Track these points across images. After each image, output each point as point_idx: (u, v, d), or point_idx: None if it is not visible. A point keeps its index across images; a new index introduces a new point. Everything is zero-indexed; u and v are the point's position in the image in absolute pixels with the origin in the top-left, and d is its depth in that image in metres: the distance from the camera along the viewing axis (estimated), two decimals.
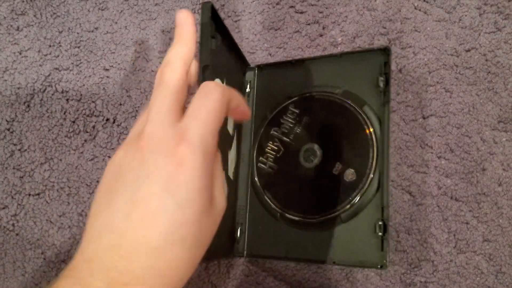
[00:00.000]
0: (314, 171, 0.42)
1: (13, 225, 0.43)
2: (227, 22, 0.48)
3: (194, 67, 0.29)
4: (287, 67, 0.45)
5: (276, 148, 0.44)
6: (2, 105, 0.46)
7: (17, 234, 0.43)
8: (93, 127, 0.45)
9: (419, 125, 0.45)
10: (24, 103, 0.46)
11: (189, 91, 0.28)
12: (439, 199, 0.44)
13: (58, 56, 0.47)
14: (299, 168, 0.42)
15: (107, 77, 0.47)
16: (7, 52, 0.47)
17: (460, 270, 0.42)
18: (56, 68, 0.47)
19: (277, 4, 0.48)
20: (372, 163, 0.40)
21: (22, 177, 0.44)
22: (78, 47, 0.47)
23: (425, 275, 0.42)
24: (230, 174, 0.42)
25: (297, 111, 0.43)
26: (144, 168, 0.22)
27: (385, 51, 0.41)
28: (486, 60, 0.46)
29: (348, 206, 0.40)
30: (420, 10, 0.48)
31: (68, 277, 0.22)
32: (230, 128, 0.40)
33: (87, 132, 0.45)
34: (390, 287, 0.42)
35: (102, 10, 0.48)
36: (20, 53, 0.47)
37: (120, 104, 0.46)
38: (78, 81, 0.46)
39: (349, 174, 0.41)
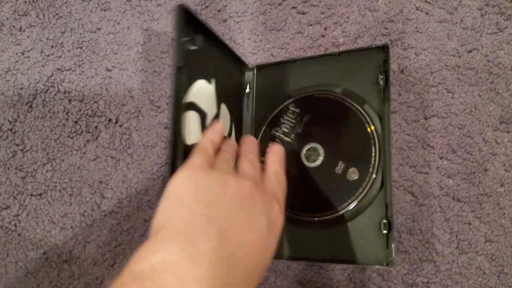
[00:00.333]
0: (317, 171, 0.42)
1: (15, 225, 0.43)
2: (229, 23, 0.48)
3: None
4: (286, 66, 0.45)
5: None
6: (4, 105, 0.46)
7: (19, 235, 0.43)
8: (96, 127, 0.45)
9: (421, 126, 0.45)
10: (27, 103, 0.46)
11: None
12: (441, 200, 0.44)
13: (60, 56, 0.47)
14: (301, 167, 0.42)
15: (110, 77, 0.47)
16: (10, 52, 0.47)
17: (462, 271, 0.42)
18: (59, 69, 0.47)
19: (279, 4, 0.48)
20: (374, 161, 0.40)
21: (24, 177, 0.44)
22: (81, 48, 0.47)
23: (427, 276, 0.42)
24: None
25: (297, 110, 0.43)
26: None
27: (384, 49, 0.41)
28: (488, 61, 0.46)
29: (351, 205, 0.41)
30: (422, 11, 0.48)
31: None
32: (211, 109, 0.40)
33: (89, 132, 0.45)
34: None
35: (105, 10, 0.48)
36: (23, 54, 0.47)
37: (123, 105, 0.46)
38: (80, 81, 0.46)
39: (352, 173, 0.41)
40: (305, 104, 0.43)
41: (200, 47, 0.37)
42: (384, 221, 0.39)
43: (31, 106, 0.46)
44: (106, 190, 0.44)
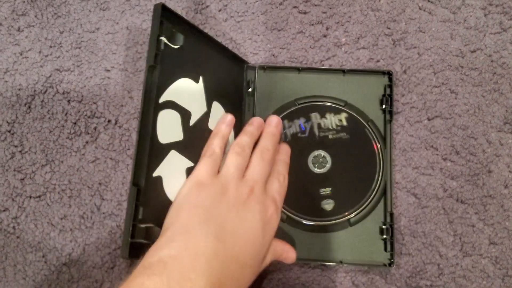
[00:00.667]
0: (324, 177, 0.43)
1: (13, 227, 0.43)
2: (230, 23, 0.47)
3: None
4: (291, 72, 0.45)
5: None
6: (2, 106, 0.45)
7: (17, 237, 0.43)
8: (95, 128, 0.45)
9: (424, 127, 0.45)
10: (25, 104, 0.45)
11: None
12: (445, 202, 0.43)
13: (59, 57, 0.47)
14: (308, 173, 0.43)
15: (109, 78, 0.46)
16: (8, 53, 0.47)
17: (466, 274, 0.42)
18: (57, 69, 0.46)
19: (280, 4, 0.48)
20: (378, 174, 0.43)
21: (23, 179, 0.44)
22: (79, 48, 0.47)
23: (430, 279, 0.42)
24: None
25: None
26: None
27: (388, 74, 0.45)
28: (492, 61, 0.46)
29: (357, 211, 0.42)
30: (424, 10, 0.47)
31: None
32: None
33: (88, 133, 0.45)
34: None
35: (104, 10, 0.48)
36: (21, 54, 0.47)
37: (122, 106, 0.45)
38: (79, 82, 0.46)
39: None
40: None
41: (183, 46, 0.37)
42: (384, 226, 0.41)
43: (29, 107, 0.45)
44: (105, 192, 0.44)
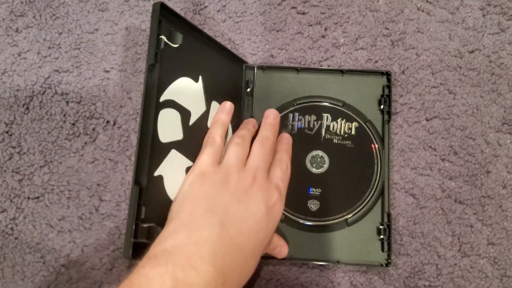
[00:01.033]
0: (322, 177, 0.43)
1: (12, 229, 0.43)
2: (228, 23, 0.47)
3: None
4: (289, 73, 0.45)
5: None
6: (1, 107, 0.45)
7: (16, 238, 0.43)
8: (94, 129, 0.45)
9: (422, 127, 0.45)
10: (23, 105, 0.45)
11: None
12: (443, 202, 0.43)
13: (57, 58, 0.47)
14: (306, 173, 0.43)
15: (108, 78, 0.46)
16: (6, 53, 0.47)
17: (465, 274, 0.42)
18: (56, 70, 0.46)
19: (279, 5, 0.48)
20: (376, 174, 0.43)
21: (21, 180, 0.44)
22: (78, 49, 0.47)
23: (429, 279, 0.42)
24: None
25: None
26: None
27: (386, 74, 0.45)
28: (490, 62, 0.46)
29: (354, 211, 0.42)
30: (423, 11, 0.47)
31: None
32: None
33: (87, 134, 0.45)
34: None
35: (102, 11, 0.48)
36: (19, 55, 0.47)
37: (121, 106, 0.45)
38: (78, 83, 0.46)
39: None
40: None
41: (182, 45, 0.37)
42: (381, 226, 0.42)
43: (27, 108, 0.45)
44: (104, 193, 0.44)
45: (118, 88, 0.46)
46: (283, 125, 0.44)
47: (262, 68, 0.45)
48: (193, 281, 0.27)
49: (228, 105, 0.40)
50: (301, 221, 0.42)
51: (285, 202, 0.41)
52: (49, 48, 0.47)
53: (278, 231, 0.41)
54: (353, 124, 0.44)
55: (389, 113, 0.44)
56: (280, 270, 0.42)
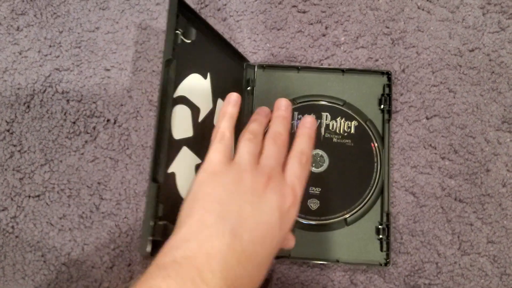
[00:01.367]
0: (322, 176, 0.43)
1: (12, 227, 0.43)
2: (229, 22, 0.47)
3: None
4: (290, 71, 0.45)
5: None
6: (1, 105, 0.45)
7: (16, 237, 0.43)
8: (94, 128, 0.45)
9: (423, 126, 0.45)
10: (24, 103, 0.45)
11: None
12: (443, 200, 0.43)
13: (58, 56, 0.47)
14: None
15: (108, 77, 0.46)
16: (7, 52, 0.47)
17: (464, 272, 0.42)
18: (57, 69, 0.46)
19: (280, 3, 0.48)
20: (375, 174, 0.43)
21: (22, 178, 0.44)
22: (79, 47, 0.47)
23: (429, 277, 0.42)
24: None
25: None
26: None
27: (387, 74, 0.45)
28: (490, 60, 0.46)
29: (354, 211, 0.42)
30: (423, 9, 0.47)
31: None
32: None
33: (87, 133, 0.45)
34: None
35: (103, 9, 0.48)
36: (20, 53, 0.47)
37: (121, 105, 0.45)
38: (78, 81, 0.46)
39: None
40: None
41: (194, 41, 0.36)
42: (380, 226, 0.42)
43: (28, 107, 0.45)
44: (104, 191, 0.44)
45: (118, 87, 0.46)
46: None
47: (262, 66, 0.45)
48: None
49: (234, 96, 0.37)
50: (301, 220, 0.42)
51: None
52: (50, 46, 0.47)
53: None
54: (353, 122, 0.44)
55: (389, 112, 0.44)
56: (281, 269, 0.42)
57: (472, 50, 0.46)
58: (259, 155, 0.34)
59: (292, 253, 0.41)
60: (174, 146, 0.34)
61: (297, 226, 0.42)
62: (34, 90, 0.46)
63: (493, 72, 0.46)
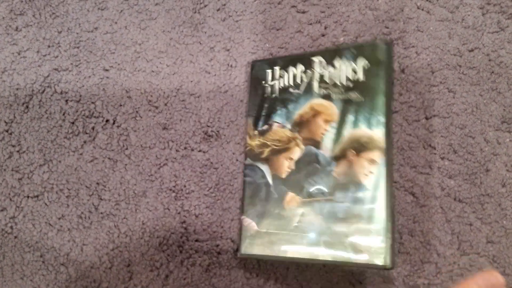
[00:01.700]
0: None
1: (11, 227, 0.43)
2: (228, 22, 0.47)
3: None
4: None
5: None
6: (0, 106, 0.45)
7: (15, 237, 0.43)
8: (93, 128, 0.45)
9: (422, 126, 0.45)
10: (23, 104, 0.45)
11: None
12: (443, 200, 0.43)
13: (57, 56, 0.46)
14: None
15: (107, 77, 0.46)
16: (6, 52, 0.47)
17: (464, 272, 0.42)
18: (55, 69, 0.46)
19: (279, 3, 0.48)
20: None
21: (20, 179, 0.44)
22: (78, 48, 0.47)
23: (428, 277, 0.42)
24: None
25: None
26: None
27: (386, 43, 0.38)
28: (490, 60, 0.46)
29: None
30: (423, 9, 0.47)
31: None
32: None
33: (86, 133, 0.45)
34: None
35: (102, 10, 0.48)
36: (19, 54, 0.46)
37: (120, 105, 0.45)
38: (77, 81, 0.46)
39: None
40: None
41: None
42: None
43: (27, 107, 0.45)
44: (103, 191, 0.44)
45: (117, 87, 0.46)
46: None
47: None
48: None
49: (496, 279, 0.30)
50: None
51: None
52: (49, 46, 0.47)
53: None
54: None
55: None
56: (279, 269, 0.42)
57: (471, 50, 0.46)
58: None
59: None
60: None
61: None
62: (33, 90, 0.46)
63: (492, 72, 0.46)
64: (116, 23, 0.47)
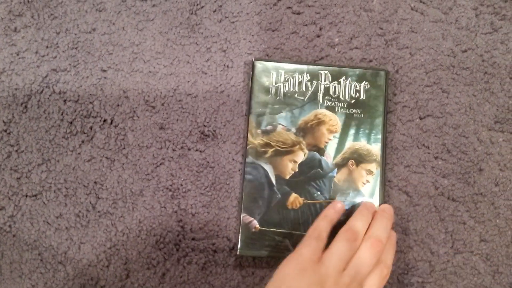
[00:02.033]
0: None
1: (10, 226, 0.43)
2: (224, 23, 0.48)
3: None
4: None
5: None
6: None
7: (14, 236, 0.43)
8: (91, 128, 0.45)
9: (416, 126, 0.45)
10: (22, 104, 0.46)
11: None
12: (436, 200, 0.44)
13: (55, 57, 0.47)
14: None
15: (105, 78, 0.47)
16: (5, 53, 0.47)
17: (457, 270, 0.42)
18: (54, 69, 0.47)
19: (274, 5, 0.48)
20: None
21: (19, 178, 0.44)
22: (76, 48, 0.47)
23: (422, 276, 0.42)
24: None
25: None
26: None
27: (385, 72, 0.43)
28: (483, 61, 0.46)
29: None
30: (416, 11, 0.48)
31: None
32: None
33: (84, 133, 0.45)
34: (387, 287, 0.42)
35: (100, 11, 0.48)
36: (18, 54, 0.47)
37: (118, 105, 0.46)
38: (75, 82, 0.46)
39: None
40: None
41: None
42: None
43: (26, 107, 0.46)
44: (101, 190, 0.44)
45: (115, 87, 0.46)
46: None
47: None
48: None
49: (339, 205, 0.39)
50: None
51: None
52: (47, 47, 0.47)
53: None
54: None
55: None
56: (275, 267, 0.42)
57: (465, 51, 0.47)
58: (352, 257, 0.35)
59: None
60: None
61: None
62: (31, 90, 0.46)
63: (485, 73, 0.46)
64: (113, 24, 0.48)
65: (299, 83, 0.38)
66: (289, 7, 0.48)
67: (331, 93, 0.38)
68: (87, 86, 0.46)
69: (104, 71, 0.47)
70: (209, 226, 0.44)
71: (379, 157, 0.41)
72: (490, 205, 0.43)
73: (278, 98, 0.40)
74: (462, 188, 0.44)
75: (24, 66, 0.47)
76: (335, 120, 0.41)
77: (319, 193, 0.41)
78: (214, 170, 0.44)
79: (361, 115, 0.39)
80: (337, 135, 0.41)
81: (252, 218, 0.41)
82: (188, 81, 0.46)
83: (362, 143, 0.40)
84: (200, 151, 0.45)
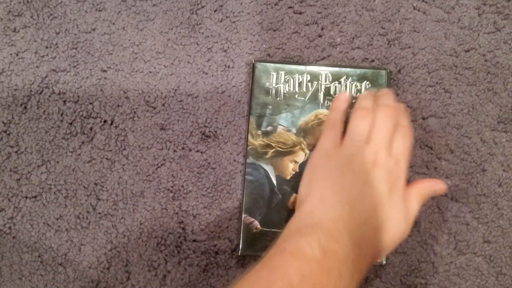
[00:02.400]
0: None
1: (9, 228, 0.43)
2: (225, 23, 0.47)
3: None
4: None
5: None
6: None
7: (13, 237, 0.43)
8: (91, 128, 0.45)
9: (419, 126, 0.45)
10: (21, 105, 0.45)
11: None
12: (439, 200, 0.43)
13: (55, 57, 0.47)
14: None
15: (105, 78, 0.46)
16: (4, 53, 0.47)
17: (460, 272, 0.42)
18: (53, 70, 0.46)
19: (276, 4, 0.48)
20: None
21: (19, 179, 0.44)
22: (75, 49, 0.47)
23: (425, 277, 0.42)
24: None
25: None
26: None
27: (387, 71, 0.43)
28: (486, 61, 0.46)
29: None
30: (419, 10, 0.47)
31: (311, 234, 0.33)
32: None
33: (84, 134, 0.45)
34: None
35: (100, 11, 0.48)
36: (17, 55, 0.47)
37: (118, 106, 0.46)
38: (75, 82, 0.46)
39: None
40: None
41: None
42: None
43: (25, 108, 0.45)
44: (101, 192, 0.44)
45: (115, 88, 0.46)
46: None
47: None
48: (337, 250, 0.31)
49: (345, 95, 0.40)
50: None
51: None
52: (47, 47, 0.47)
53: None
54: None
55: None
56: None
57: (467, 51, 0.46)
58: (370, 130, 0.37)
59: None
60: None
61: None
62: (31, 91, 0.46)
63: (488, 73, 0.46)
64: (113, 24, 0.47)
65: (299, 83, 0.38)
66: (290, 7, 0.48)
67: (331, 93, 0.39)
68: (87, 87, 0.46)
69: (104, 71, 0.46)
70: (211, 228, 0.43)
71: None
72: (494, 206, 0.43)
73: (278, 99, 0.40)
74: (465, 189, 0.44)
75: (23, 67, 0.46)
76: None
77: None
78: (215, 171, 0.44)
79: None
80: None
81: (253, 219, 0.41)
82: (189, 82, 0.46)
83: None
84: (201, 152, 0.44)
